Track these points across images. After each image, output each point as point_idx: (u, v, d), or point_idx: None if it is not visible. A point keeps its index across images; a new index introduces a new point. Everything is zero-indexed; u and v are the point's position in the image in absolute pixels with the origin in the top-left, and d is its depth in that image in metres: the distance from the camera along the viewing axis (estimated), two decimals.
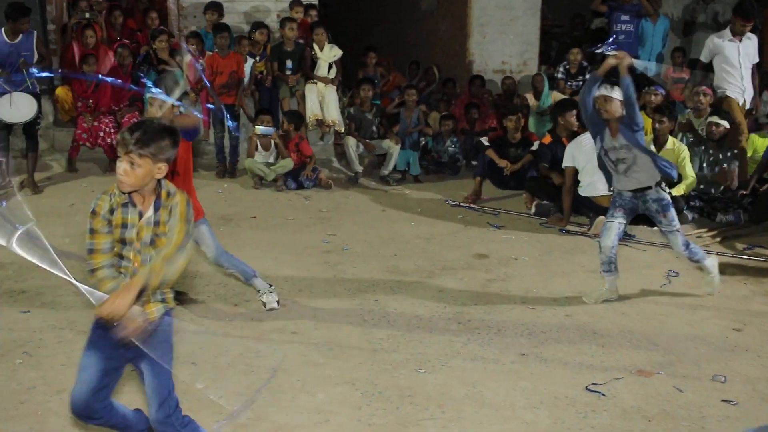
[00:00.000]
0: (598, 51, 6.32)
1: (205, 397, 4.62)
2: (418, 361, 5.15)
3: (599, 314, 6.00)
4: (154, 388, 3.61)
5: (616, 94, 5.92)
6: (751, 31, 9.37)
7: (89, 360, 3.55)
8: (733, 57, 9.24)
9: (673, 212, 6.11)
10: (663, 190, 6.12)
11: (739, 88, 9.32)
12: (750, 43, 9.30)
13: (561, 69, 11.54)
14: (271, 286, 6.03)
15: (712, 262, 6.39)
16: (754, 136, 9.46)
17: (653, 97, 9.64)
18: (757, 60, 9.46)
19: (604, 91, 5.95)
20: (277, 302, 5.95)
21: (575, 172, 8.17)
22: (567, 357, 5.28)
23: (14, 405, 4.51)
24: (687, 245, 6.20)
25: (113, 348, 3.49)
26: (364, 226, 8.20)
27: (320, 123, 10.50)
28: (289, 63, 10.52)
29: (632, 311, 6.10)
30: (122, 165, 3.37)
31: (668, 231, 6.16)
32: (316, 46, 10.54)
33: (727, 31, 9.34)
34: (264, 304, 5.93)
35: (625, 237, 7.61)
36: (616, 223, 6.15)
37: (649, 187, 6.07)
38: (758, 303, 6.40)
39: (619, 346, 5.46)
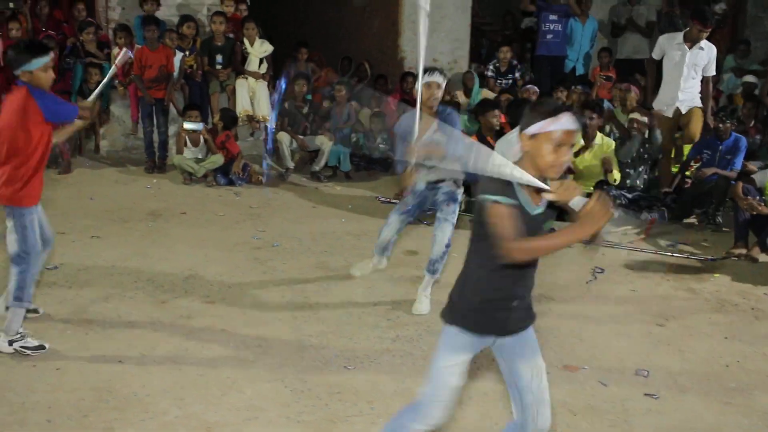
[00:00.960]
0: None
1: (131, 396, 4.58)
2: (347, 358, 5.17)
3: None
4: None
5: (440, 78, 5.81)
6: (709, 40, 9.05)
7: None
8: (675, 62, 8.96)
9: (456, 205, 6.05)
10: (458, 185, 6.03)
11: (669, 98, 9.05)
12: (702, 53, 8.91)
13: (491, 67, 11.67)
14: (20, 335, 5.10)
15: (427, 282, 6.15)
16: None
17: (575, 96, 9.89)
18: (712, 73, 9.10)
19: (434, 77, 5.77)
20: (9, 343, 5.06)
21: None
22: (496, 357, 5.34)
23: None
24: (448, 246, 6.04)
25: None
26: (294, 222, 8.18)
27: (251, 118, 10.44)
28: (219, 58, 10.44)
29: (558, 307, 6.20)
30: None
31: (445, 219, 6.03)
32: (246, 41, 10.47)
33: (680, 35, 9.10)
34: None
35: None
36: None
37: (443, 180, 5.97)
38: (680, 299, 6.57)
39: (545, 341, 5.52)
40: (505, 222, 3.11)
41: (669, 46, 9.06)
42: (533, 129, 3.18)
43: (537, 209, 3.29)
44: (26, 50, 5.08)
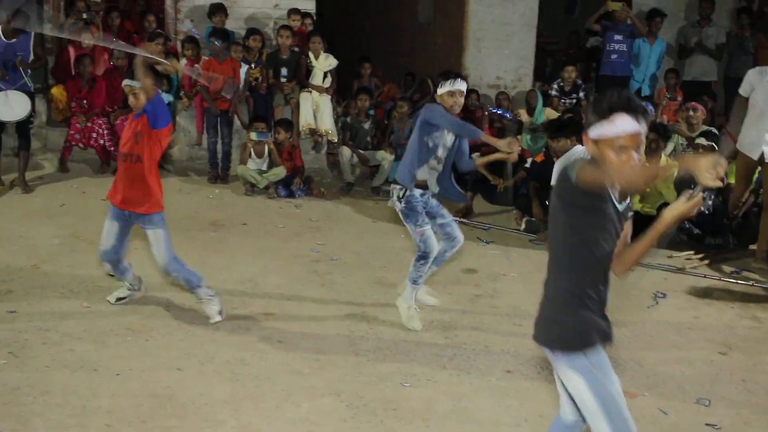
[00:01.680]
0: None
1: (189, 404, 4.63)
2: (403, 374, 5.16)
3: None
4: None
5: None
6: None
7: None
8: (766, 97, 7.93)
9: None
10: None
11: (757, 139, 7.96)
12: None
13: (555, 86, 11.58)
14: (213, 295, 5.87)
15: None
16: None
17: None
18: None
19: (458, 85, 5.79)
20: (220, 312, 5.84)
21: None
22: (552, 376, 5.27)
23: None
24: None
25: None
26: (353, 236, 8.20)
27: (313, 132, 10.51)
28: (284, 71, 10.53)
29: (618, 332, 6.06)
30: None
31: (446, 222, 6.09)
32: (311, 55, 10.55)
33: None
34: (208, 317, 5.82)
35: None
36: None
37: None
38: (744, 327, 6.44)
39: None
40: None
41: (759, 81, 7.99)
42: (594, 133, 3.08)
43: (622, 204, 3.23)
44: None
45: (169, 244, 5.72)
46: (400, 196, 5.87)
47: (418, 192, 5.87)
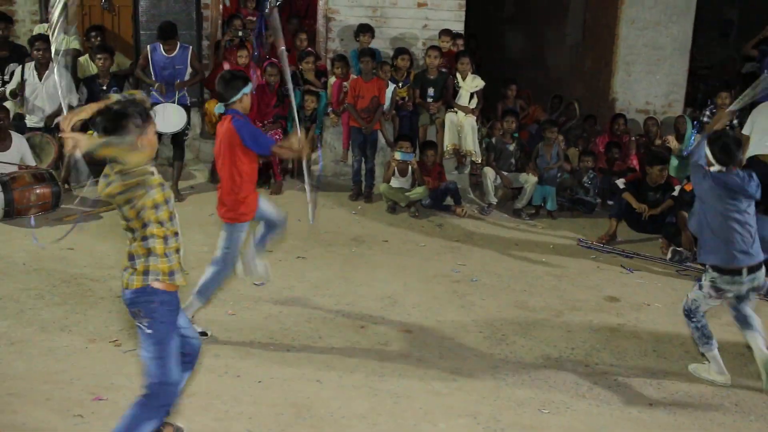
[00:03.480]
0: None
1: (327, 416, 4.69)
2: (542, 401, 5.09)
3: (734, 370, 5.77)
4: None
5: None
6: None
7: None
8: None
9: None
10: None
11: None
12: None
13: (707, 112, 11.20)
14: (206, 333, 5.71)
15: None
16: None
17: None
18: None
19: None
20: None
21: None
22: (697, 412, 5.12)
23: None
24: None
25: None
26: (494, 258, 8.15)
27: (457, 152, 10.53)
28: (431, 91, 10.59)
29: None
30: None
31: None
32: (459, 75, 10.58)
33: None
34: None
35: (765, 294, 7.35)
36: None
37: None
38: None
39: (754, 405, 5.25)
40: None
41: None
42: None
43: None
44: (238, 79, 5.64)
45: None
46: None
47: None
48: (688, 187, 8.82)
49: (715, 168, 5.45)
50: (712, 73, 14.73)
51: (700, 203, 5.55)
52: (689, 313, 5.60)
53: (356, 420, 4.68)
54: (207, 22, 11.30)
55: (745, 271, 5.35)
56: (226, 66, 10.66)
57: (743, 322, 5.55)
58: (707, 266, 5.52)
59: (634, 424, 4.88)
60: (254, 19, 11.81)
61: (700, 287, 5.55)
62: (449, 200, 9.87)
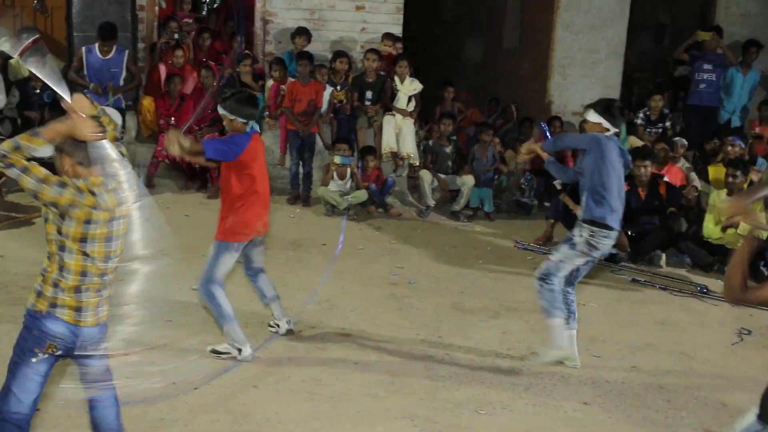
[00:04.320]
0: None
1: (264, 422, 4.66)
2: (479, 402, 5.12)
3: (666, 368, 5.89)
4: None
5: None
6: None
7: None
8: None
9: None
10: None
11: None
12: None
13: (641, 115, 11.41)
14: (239, 350, 5.51)
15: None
16: None
17: (730, 148, 9.51)
18: None
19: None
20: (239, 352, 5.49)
21: None
22: (631, 409, 5.19)
23: None
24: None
25: None
26: (432, 260, 8.19)
27: (394, 155, 10.55)
28: (369, 94, 10.60)
29: (701, 368, 5.97)
30: None
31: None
32: (397, 79, 10.61)
33: None
34: (219, 352, 5.53)
35: (698, 290, 7.53)
36: None
37: None
38: None
39: (685, 402, 5.35)
40: None
41: None
42: None
43: None
44: (251, 104, 5.61)
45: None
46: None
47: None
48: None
49: (611, 132, 5.71)
50: (645, 77, 14.96)
51: (601, 165, 5.60)
52: (546, 276, 5.67)
53: (293, 425, 4.66)
54: (142, 24, 11.16)
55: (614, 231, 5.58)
56: (163, 69, 10.56)
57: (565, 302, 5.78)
58: (585, 223, 5.61)
59: (570, 423, 4.94)
60: (191, 21, 11.71)
61: (573, 245, 5.62)
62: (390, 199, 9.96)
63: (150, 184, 10.09)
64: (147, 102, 10.45)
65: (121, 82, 9.73)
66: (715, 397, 5.45)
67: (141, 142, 10.68)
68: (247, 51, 11.05)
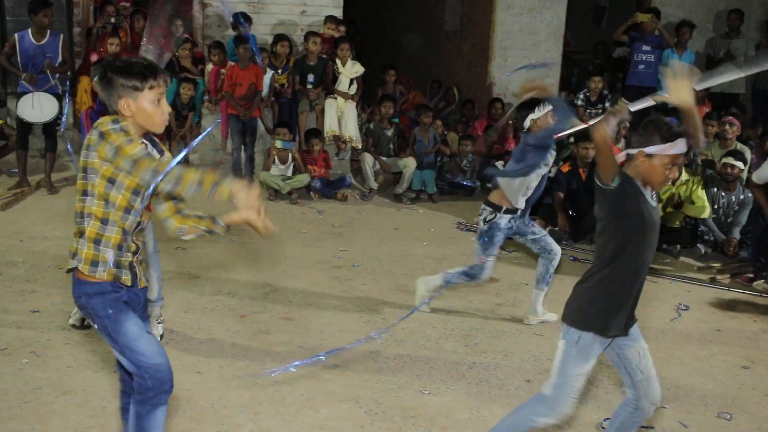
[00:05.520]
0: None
1: (208, 407, 4.63)
2: (423, 382, 5.14)
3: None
4: None
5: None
6: None
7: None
8: None
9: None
10: None
11: None
12: None
13: (581, 96, 11.54)
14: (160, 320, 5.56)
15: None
16: None
17: None
18: None
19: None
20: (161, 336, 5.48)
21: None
22: None
23: (19, 404, 4.52)
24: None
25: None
26: (375, 243, 8.20)
27: (337, 138, 10.53)
28: (310, 77, 10.55)
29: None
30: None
31: (539, 237, 6.18)
32: (338, 62, 10.57)
33: None
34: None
35: None
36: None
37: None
38: (767, 341, 6.37)
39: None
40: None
41: None
42: (652, 150, 3.53)
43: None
44: None
45: None
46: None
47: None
48: (564, 168, 9.05)
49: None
50: (585, 58, 15.12)
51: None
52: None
53: (237, 410, 4.63)
54: (78, 8, 10.94)
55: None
56: (94, 57, 10.29)
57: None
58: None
59: (512, 400, 4.97)
60: (127, 5, 11.52)
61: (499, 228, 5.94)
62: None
63: None
64: (84, 83, 10.17)
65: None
66: (656, 371, 5.54)
67: (79, 129, 10.46)
68: (186, 35, 10.91)
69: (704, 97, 11.71)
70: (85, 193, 3.43)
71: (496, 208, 5.91)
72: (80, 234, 3.47)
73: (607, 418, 4.81)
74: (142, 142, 3.42)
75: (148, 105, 3.36)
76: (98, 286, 3.42)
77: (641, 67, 11.75)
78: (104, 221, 3.42)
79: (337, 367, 5.28)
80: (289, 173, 9.74)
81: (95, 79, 3.77)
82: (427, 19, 15.48)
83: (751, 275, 7.75)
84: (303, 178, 9.63)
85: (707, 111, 11.26)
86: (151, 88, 3.35)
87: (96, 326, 3.48)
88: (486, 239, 5.91)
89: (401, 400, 4.88)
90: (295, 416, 4.61)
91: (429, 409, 4.78)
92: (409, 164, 10.03)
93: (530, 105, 5.93)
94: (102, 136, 3.24)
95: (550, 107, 5.84)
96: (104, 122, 3.28)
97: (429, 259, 7.75)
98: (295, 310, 6.23)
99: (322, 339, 5.72)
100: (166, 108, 3.46)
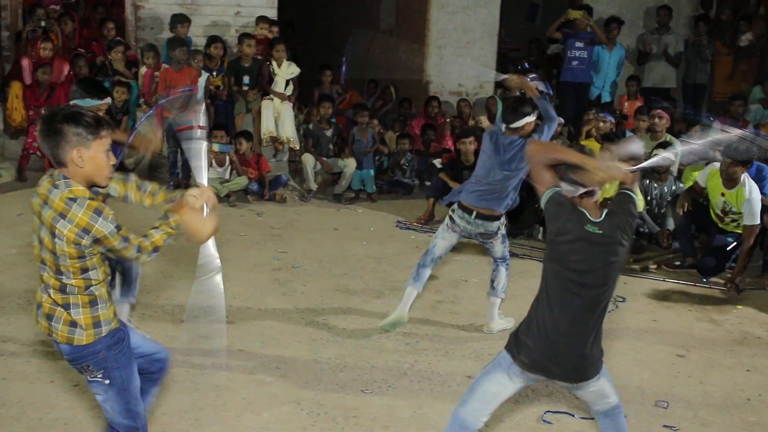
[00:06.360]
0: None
1: (147, 415, 4.58)
2: (364, 382, 5.16)
3: None
4: None
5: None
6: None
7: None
8: None
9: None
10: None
11: None
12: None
13: (517, 93, 11.62)
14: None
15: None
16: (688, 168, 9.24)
17: (602, 124, 9.80)
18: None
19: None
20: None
21: None
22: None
23: None
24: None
25: None
26: (315, 244, 8.18)
27: (274, 140, 10.48)
28: (246, 78, 10.48)
29: None
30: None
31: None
32: (274, 63, 10.52)
33: None
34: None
35: None
36: None
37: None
38: (702, 329, 6.51)
39: None
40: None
41: None
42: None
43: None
44: (83, 89, 5.26)
45: None
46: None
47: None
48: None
49: (503, 126, 6.11)
50: (519, 55, 15.26)
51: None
52: (426, 253, 6.21)
53: (177, 416, 4.60)
54: (6, 12, 10.72)
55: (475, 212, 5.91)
56: (25, 62, 10.09)
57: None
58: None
59: (454, 397, 4.98)
60: (58, 7, 11.32)
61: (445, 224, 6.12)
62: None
63: (22, 177, 9.74)
64: (15, 87, 9.95)
65: None
66: None
67: (10, 135, 10.27)
68: (118, 38, 10.76)
69: (636, 92, 11.92)
70: (59, 272, 3.36)
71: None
72: (67, 305, 3.43)
73: (548, 411, 4.89)
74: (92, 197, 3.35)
75: (102, 155, 3.31)
76: (106, 340, 3.47)
77: (575, 63, 11.89)
78: (87, 287, 3.42)
79: (278, 369, 5.27)
80: (227, 176, 9.66)
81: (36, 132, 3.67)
82: (363, 19, 15.47)
83: (677, 263, 7.98)
84: (241, 181, 9.57)
85: (639, 105, 11.44)
86: (101, 138, 3.30)
87: (100, 380, 3.48)
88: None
89: (343, 400, 4.89)
90: (237, 420, 4.60)
91: (371, 409, 4.80)
92: (349, 164, 10.03)
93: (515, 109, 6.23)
94: (71, 221, 3.24)
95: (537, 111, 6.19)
96: (60, 200, 3.25)
97: (369, 259, 7.76)
98: (235, 313, 6.19)
99: (264, 342, 5.70)
100: (113, 159, 3.43)
